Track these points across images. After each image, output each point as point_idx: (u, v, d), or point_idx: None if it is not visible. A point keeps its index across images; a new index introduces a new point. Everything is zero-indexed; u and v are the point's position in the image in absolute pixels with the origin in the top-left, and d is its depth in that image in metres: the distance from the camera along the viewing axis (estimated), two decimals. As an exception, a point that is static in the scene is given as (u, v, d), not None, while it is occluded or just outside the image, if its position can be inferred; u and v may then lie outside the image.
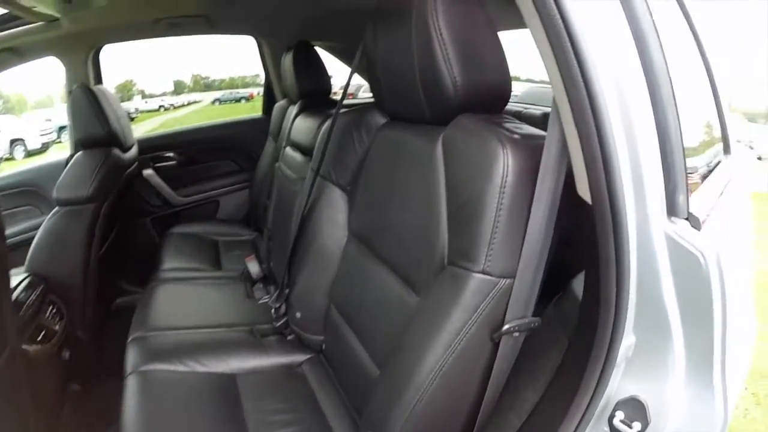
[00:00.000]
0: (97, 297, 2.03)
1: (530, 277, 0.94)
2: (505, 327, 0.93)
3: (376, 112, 1.44)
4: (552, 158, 0.86)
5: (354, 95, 4.70)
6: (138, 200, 2.95)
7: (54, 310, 1.72)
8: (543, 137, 0.89)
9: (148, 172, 2.90)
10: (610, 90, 0.72)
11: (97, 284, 2.00)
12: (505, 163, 0.91)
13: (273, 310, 1.79)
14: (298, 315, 1.65)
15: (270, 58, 3.17)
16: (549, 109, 0.84)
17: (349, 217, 1.49)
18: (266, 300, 1.93)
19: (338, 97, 1.83)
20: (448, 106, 1.08)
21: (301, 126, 2.24)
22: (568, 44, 0.71)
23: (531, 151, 0.92)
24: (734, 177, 1.40)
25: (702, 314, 0.73)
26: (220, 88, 12.32)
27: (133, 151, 2.52)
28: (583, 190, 0.78)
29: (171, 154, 3.06)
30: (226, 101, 11.44)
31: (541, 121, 1.01)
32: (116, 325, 2.08)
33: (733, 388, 0.80)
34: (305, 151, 2.09)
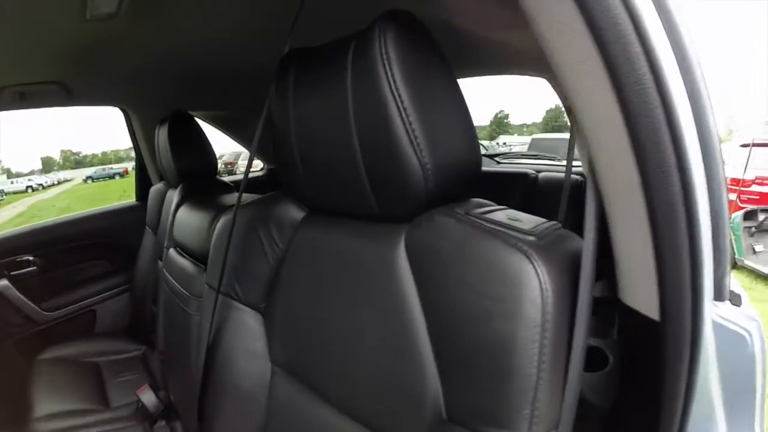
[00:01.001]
0: None
1: (571, 418, 0.72)
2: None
3: (288, 203, 1.18)
4: (590, 258, 0.69)
5: (234, 164, 4.39)
6: (-6, 320, 2.47)
7: None
8: (558, 227, 0.76)
9: (2, 283, 2.44)
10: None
11: None
12: (543, 288, 0.68)
13: None
14: None
15: (141, 132, 2.78)
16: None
17: (270, 344, 1.21)
18: None
19: (224, 177, 1.56)
20: (413, 199, 0.84)
21: (187, 223, 1.89)
22: (645, 63, 0.54)
23: (565, 258, 0.72)
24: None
25: (745, 392, 0.71)
26: (92, 164, 12.13)
27: None
28: (640, 301, 0.67)
29: (30, 258, 2.58)
30: (99, 178, 11.23)
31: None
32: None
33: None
34: (196, 257, 1.75)
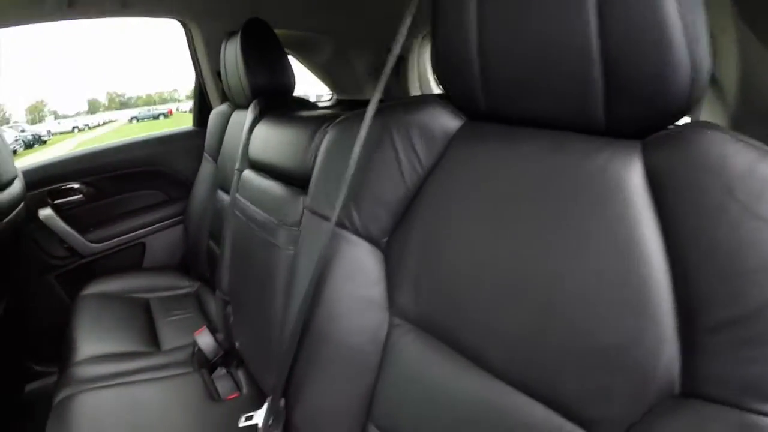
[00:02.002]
0: None
1: None
2: None
3: (438, 107, 0.90)
4: None
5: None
6: (35, 252, 2.30)
7: None
8: None
9: (45, 212, 2.26)
10: None
11: None
12: None
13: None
14: None
15: (204, 48, 2.52)
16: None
17: (392, 291, 0.96)
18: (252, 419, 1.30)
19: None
20: (668, 108, 0.64)
21: (274, 140, 1.60)
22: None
23: None
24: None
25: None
26: (137, 106, 12.14)
27: (16, 187, 1.86)
28: None
29: (75, 186, 2.39)
30: (144, 119, 11.19)
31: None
32: (31, 420, 1.79)
33: None
34: (288, 178, 1.46)
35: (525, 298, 0.73)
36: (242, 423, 1.23)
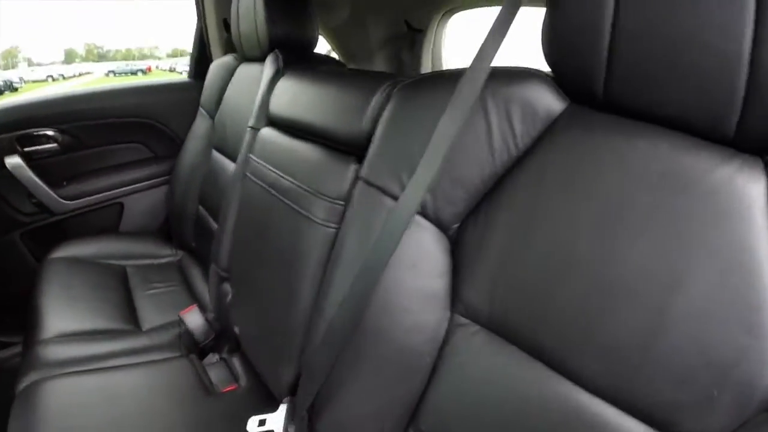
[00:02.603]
0: None
1: None
2: None
3: (541, 84, 0.81)
4: None
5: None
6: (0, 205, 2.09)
7: None
8: None
9: (13, 161, 2.02)
10: None
11: None
12: None
13: None
14: None
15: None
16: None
17: (458, 286, 0.87)
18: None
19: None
20: None
21: (309, 96, 1.36)
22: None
23: None
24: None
25: None
26: (115, 59, 12.05)
27: None
28: None
29: (50, 133, 2.14)
30: (121, 73, 11.09)
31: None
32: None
33: None
34: (327, 141, 1.24)
35: (633, 306, 0.69)
36: (254, 429, 1.11)
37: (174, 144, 2.33)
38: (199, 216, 2.01)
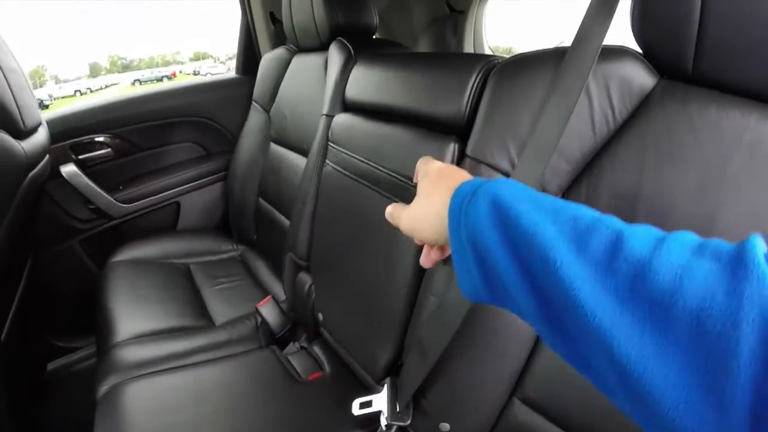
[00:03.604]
0: (9, 397, 1.38)
1: None
2: None
3: (633, 60, 0.84)
4: None
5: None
6: (57, 214, 2.07)
7: None
8: None
9: (68, 169, 2.01)
10: None
11: (3, 381, 1.34)
12: None
13: (384, 418, 1.11)
14: (447, 427, 1.06)
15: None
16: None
17: None
18: (371, 409, 1.14)
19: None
20: None
21: (394, 81, 1.33)
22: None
23: None
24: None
25: None
26: (139, 68, 12.13)
27: (41, 135, 1.62)
28: None
29: (101, 139, 2.14)
30: (147, 81, 11.15)
31: None
32: (53, 401, 1.73)
33: None
34: (420, 122, 1.21)
35: None
36: (358, 411, 1.11)
37: (227, 140, 2.33)
38: (259, 209, 2.01)
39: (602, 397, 0.79)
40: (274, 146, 1.93)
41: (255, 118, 2.12)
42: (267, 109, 2.03)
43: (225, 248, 2.15)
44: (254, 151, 2.05)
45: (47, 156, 1.67)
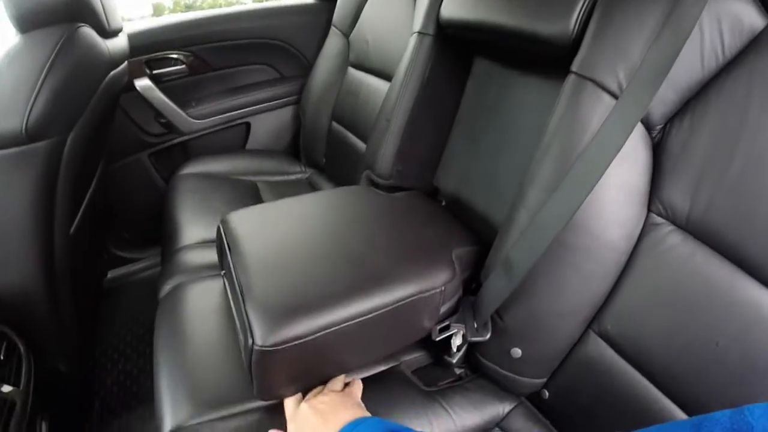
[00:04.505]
0: (75, 294, 1.41)
1: None
2: None
3: (750, 2, 0.82)
4: None
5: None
6: (128, 127, 2.11)
7: (3, 352, 1.12)
8: None
9: (142, 82, 2.04)
10: None
11: (71, 280, 1.37)
12: None
13: (457, 339, 1.11)
14: (518, 353, 1.05)
15: None
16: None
17: (658, 186, 0.90)
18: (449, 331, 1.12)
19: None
20: None
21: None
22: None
23: None
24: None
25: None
26: (202, 8, 11.94)
27: (122, 41, 1.64)
28: None
29: (177, 56, 2.16)
30: None
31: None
32: (113, 307, 1.82)
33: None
34: (524, 40, 1.16)
35: None
36: (438, 336, 1.09)
37: (301, 64, 2.32)
38: (332, 132, 2.00)
39: (683, 340, 0.83)
40: (352, 71, 1.91)
41: (333, 42, 2.11)
42: (346, 34, 2.01)
43: (293, 170, 2.16)
44: (331, 76, 2.04)
45: (126, 63, 1.69)
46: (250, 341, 0.86)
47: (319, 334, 0.89)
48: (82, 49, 1.27)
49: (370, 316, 0.95)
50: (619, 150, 0.85)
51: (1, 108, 1.11)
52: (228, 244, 1.09)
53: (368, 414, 0.87)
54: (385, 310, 0.96)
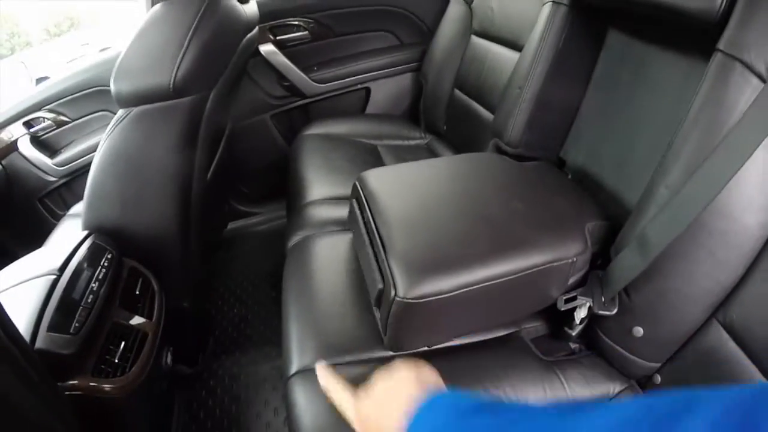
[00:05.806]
0: (202, 239, 1.53)
1: None
2: None
3: None
4: None
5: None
6: (253, 90, 2.20)
7: (139, 287, 1.25)
8: None
9: (267, 48, 2.13)
10: None
11: (200, 226, 1.46)
12: None
13: (581, 311, 1.10)
14: (640, 332, 1.03)
15: None
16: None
17: None
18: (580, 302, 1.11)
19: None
20: None
21: None
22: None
23: None
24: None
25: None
26: None
27: (253, 6, 1.70)
28: None
29: (298, 22, 2.21)
30: None
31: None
32: (232, 256, 1.93)
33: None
34: (670, 14, 1.05)
35: None
36: (564, 306, 1.08)
37: (421, 32, 2.34)
38: (454, 99, 2.01)
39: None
40: (476, 39, 1.92)
41: (455, 10, 2.11)
42: (469, 2, 2.01)
43: (412, 135, 2.18)
44: (453, 42, 2.04)
45: (257, 28, 1.75)
46: (392, 293, 0.89)
47: (458, 292, 0.92)
48: (224, 12, 1.34)
49: (506, 279, 0.96)
50: (766, 136, 0.80)
51: (150, 66, 1.18)
52: (366, 199, 1.12)
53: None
54: (521, 274, 0.97)
